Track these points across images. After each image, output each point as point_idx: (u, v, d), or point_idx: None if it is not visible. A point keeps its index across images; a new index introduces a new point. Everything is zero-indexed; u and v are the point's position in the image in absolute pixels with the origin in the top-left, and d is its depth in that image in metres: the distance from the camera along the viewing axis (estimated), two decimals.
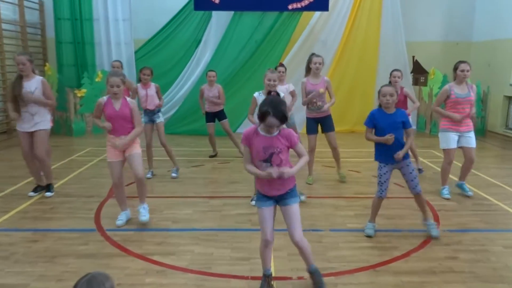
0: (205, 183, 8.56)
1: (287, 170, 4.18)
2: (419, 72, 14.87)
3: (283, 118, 4.10)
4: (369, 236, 6.11)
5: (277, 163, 4.21)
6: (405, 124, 5.66)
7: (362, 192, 8.05)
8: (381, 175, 5.80)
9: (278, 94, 5.86)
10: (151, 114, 8.93)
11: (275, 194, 4.37)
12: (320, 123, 8.19)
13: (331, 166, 9.72)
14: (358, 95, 14.81)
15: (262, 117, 4.12)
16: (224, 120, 10.56)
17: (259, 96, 6.79)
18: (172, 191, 8.06)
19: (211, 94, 10.35)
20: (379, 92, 5.86)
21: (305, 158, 4.37)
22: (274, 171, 4.14)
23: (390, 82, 8.74)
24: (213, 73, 10.37)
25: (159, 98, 8.91)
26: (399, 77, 8.54)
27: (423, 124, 15.22)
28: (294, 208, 4.39)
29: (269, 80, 6.61)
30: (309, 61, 8.01)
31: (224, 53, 14.53)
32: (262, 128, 4.26)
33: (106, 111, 6.14)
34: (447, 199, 7.60)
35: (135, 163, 6.29)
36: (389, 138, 5.52)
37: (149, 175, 8.87)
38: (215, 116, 10.55)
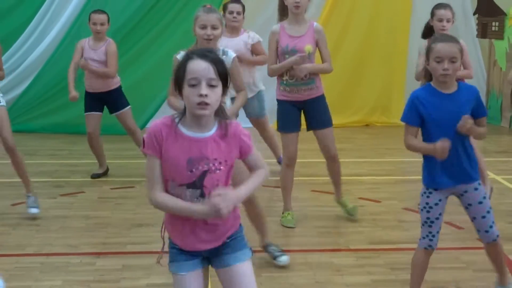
0: (85, 228, 6.08)
1: (230, 195, 2.95)
2: (488, 13, 11.28)
3: (222, 71, 2.93)
4: None
5: (211, 188, 2.98)
6: (478, 110, 4.35)
7: (386, 240, 5.94)
8: (430, 208, 4.45)
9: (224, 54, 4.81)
10: None
11: (203, 248, 3.17)
12: (304, 111, 6.03)
13: (327, 191, 7.07)
14: (376, 63, 11.20)
15: (179, 76, 2.94)
16: (124, 109, 7.49)
17: None
18: (19, 245, 5.61)
19: (96, 56, 7.28)
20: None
21: (262, 173, 3.14)
22: (223, 202, 2.91)
23: (427, 31, 6.49)
24: (102, 17, 7.31)
25: None
26: (448, 20, 6.32)
27: (497, 110, 11.49)
28: (243, 269, 3.25)
29: (203, 27, 4.80)
30: None
31: None
32: (187, 121, 3.01)
33: None
34: None
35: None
36: (442, 146, 4.17)
37: None
38: (103, 100, 7.42)
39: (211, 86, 2.89)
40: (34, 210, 6.03)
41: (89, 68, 7.08)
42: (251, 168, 3.18)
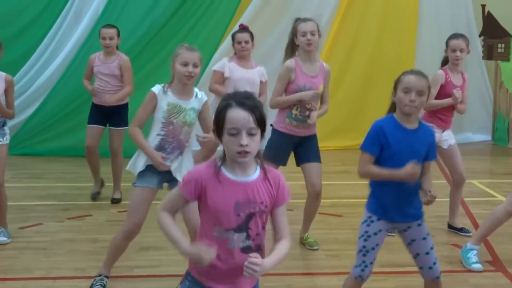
0: (92, 252, 5.92)
1: (263, 264, 2.85)
2: (494, 35, 11.34)
3: (260, 118, 2.87)
4: None
5: (255, 233, 3.00)
6: (431, 152, 4.29)
7: (395, 263, 5.82)
8: (368, 237, 4.34)
9: None
10: None
11: None
12: (296, 146, 5.95)
13: (334, 213, 7.03)
14: (382, 86, 10.41)
15: (218, 124, 2.89)
16: (121, 128, 7.31)
17: (163, 95, 4.74)
18: (27, 268, 5.43)
19: (107, 70, 7.13)
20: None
21: (288, 245, 3.04)
22: (207, 252, 2.89)
23: (445, 61, 6.41)
24: (111, 31, 7.19)
25: (8, 103, 5.95)
26: (462, 50, 6.17)
27: (504, 132, 11.35)
28: None
29: (185, 64, 4.61)
30: (294, 33, 5.75)
31: (125, 4, 10.47)
32: (229, 165, 2.94)
33: None
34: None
35: None
36: (414, 169, 4.05)
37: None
38: (108, 115, 7.26)
39: (250, 134, 2.87)
40: (3, 238, 5.90)
41: (113, 100, 6.96)
42: (275, 226, 3.15)
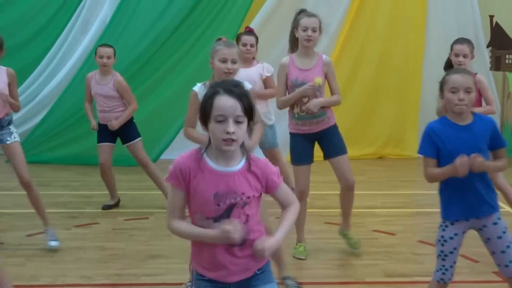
0: (99, 259, 5.95)
1: (268, 244, 2.92)
2: (502, 46, 11.12)
3: (248, 107, 2.86)
4: None
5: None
6: (495, 141, 4.22)
7: (401, 273, 5.74)
8: (444, 241, 4.33)
9: None
10: None
11: (232, 280, 3.06)
12: (318, 141, 5.84)
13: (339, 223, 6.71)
14: (389, 95, 11.03)
15: (205, 111, 2.89)
16: (135, 141, 7.28)
17: (204, 91, 4.25)
18: (34, 275, 5.44)
19: (103, 91, 7.15)
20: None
21: (295, 209, 3.12)
22: (233, 228, 2.87)
23: (448, 64, 6.37)
24: (109, 50, 7.21)
25: (13, 97, 5.98)
26: (465, 55, 6.16)
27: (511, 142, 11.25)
28: None
29: (223, 60, 4.65)
30: (295, 25, 5.66)
31: (133, 13, 10.46)
32: (213, 153, 2.96)
33: None
34: None
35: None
36: (462, 161, 4.03)
37: None
38: (116, 131, 7.26)
39: (237, 122, 2.86)
40: (53, 243, 5.93)
41: (118, 124, 6.97)
42: (282, 203, 3.16)
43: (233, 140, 2.85)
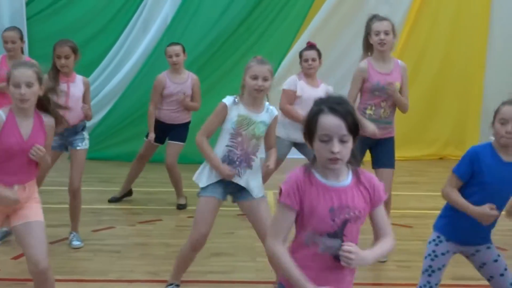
0: (164, 256, 5.85)
1: (359, 252, 2.80)
2: None
3: (353, 125, 2.76)
4: None
5: (350, 238, 2.87)
6: None
7: (470, 276, 5.45)
8: (435, 256, 4.18)
9: None
10: (68, 134, 5.94)
11: None
12: (371, 148, 5.74)
13: (405, 224, 6.89)
14: (451, 96, 10.80)
15: (310, 129, 2.81)
16: (179, 143, 7.21)
17: (233, 106, 4.64)
18: (102, 271, 5.46)
19: (179, 89, 7.01)
20: None
21: (390, 243, 2.96)
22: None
23: None
24: (177, 48, 7.11)
25: (85, 103, 5.96)
26: None
27: None
28: None
29: (255, 77, 4.51)
30: (368, 31, 5.60)
31: (195, 12, 10.31)
32: (321, 169, 2.86)
33: (3, 138, 4.03)
34: None
35: (36, 240, 4.06)
36: (490, 214, 3.88)
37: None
38: (168, 132, 7.20)
39: (342, 141, 2.78)
40: (76, 243, 5.89)
41: (186, 104, 6.94)
42: (376, 225, 3.07)
43: (338, 159, 2.80)
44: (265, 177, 5.27)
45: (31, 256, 3.92)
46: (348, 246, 2.77)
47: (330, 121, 2.76)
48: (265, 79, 4.49)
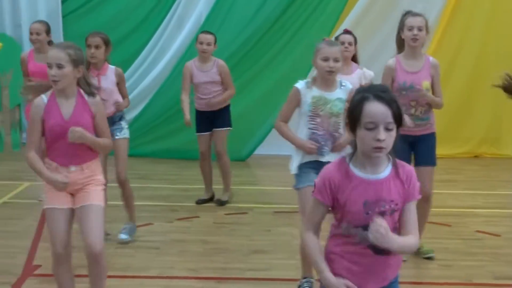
0: (203, 253, 5.94)
1: (392, 235, 2.76)
2: None
3: (398, 114, 2.73)
4: None
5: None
6: None
7: (510, 276, 5.43)
8: None
9: None
10: None
11: None
12: (413, 145, 5.60)
13: (444, 223, 6.76)
14: (485, 94, 10.11)
15: (354, 117, 2.76)
16: (224, 128, 7.29)
17: (306, 90, 4.70)
18: (142, 267, 5.52)
19: (208, 78, 7.09)
20: None
21: (414, 242, 2.92)
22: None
23: None
24: (209, 37, 7.17)
25: (123, 95, 6.02)
26: None
27: None
28: None
29: (326, 59, 4.59)
30: (401, 27, 5.50)
31: (229, 10, 10.36)
32: (359, 161, 2.84)
33: (46, 119, 4.15)
34: None
35: (91, 224, 4.15)
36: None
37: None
38: (211, 119, 7.26)
39: (387, 129, 2.75)
40: (124, 237, 5.90)
41: (218, 101, 6.97)
42: (402, 221, 3.02)
43: (382, 148, 2.76)
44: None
45: (86, 238, 4.01)
46: (380, 220, 2.75)
47: (376, 108, 2.73)
48: (336, 60, 4.56)
